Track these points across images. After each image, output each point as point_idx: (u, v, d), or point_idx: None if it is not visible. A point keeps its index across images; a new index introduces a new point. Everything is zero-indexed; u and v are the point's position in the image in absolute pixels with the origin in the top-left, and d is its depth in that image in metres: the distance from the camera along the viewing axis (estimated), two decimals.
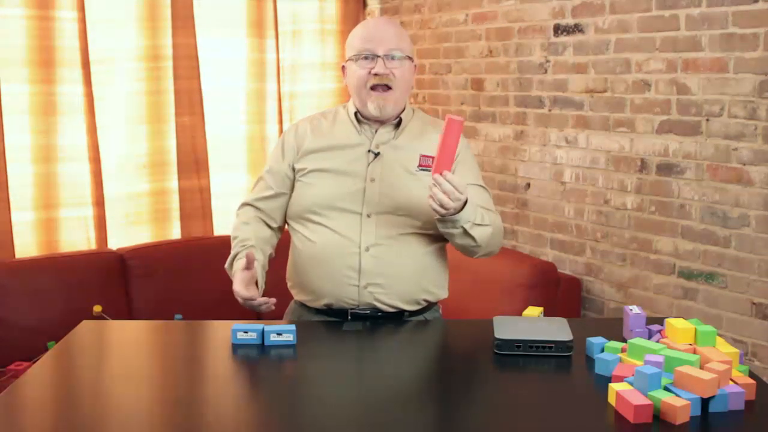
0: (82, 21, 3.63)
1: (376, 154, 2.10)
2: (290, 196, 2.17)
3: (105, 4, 3.72)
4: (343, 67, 2.17)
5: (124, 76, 3.81)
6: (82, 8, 3.62)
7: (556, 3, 3.45)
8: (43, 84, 3.59)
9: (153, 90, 3.89)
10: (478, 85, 3.91)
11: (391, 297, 2.07)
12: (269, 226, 2.20)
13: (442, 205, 1.86)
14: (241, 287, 1.91)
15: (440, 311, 2.23)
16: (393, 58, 2.07)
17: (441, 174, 1.84)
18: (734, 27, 2.78)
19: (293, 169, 2.16)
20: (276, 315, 2.30)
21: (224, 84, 4.13)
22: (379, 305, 2.07)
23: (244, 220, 2.20)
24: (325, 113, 2.25)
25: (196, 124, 4.01)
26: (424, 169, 2.09)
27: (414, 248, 2.08)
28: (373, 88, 2.07)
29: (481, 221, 2.00)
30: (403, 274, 2.07)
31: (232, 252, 2.11)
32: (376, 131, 2.14)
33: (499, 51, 3.76)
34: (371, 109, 2.08)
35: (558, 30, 3.45)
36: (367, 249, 2.05)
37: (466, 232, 1.97)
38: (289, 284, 2.21)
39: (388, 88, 2.07)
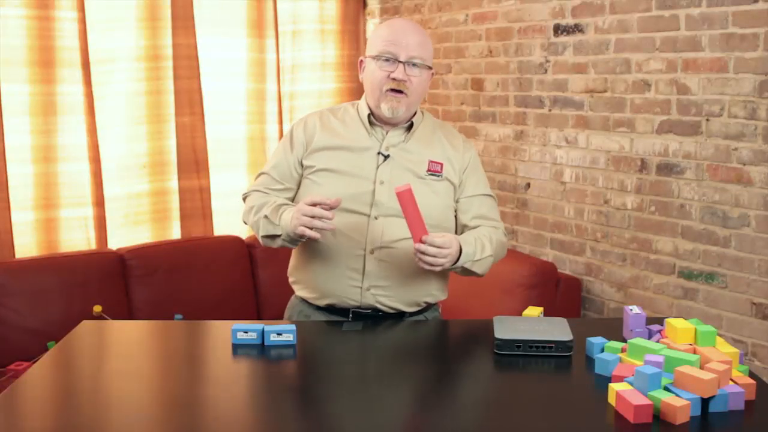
0: (82, 21, 3.63)
1: (386, 157, 2.10)
2: (296, 193, 2.16)
3: (105, 4, 3.72)
4: (361, 61, 2.16)
5: (124, 76, 3.81)
6: (82, 8, 3.62)
7: (556, 3, 3.45)
8: (43, 84, 3.59)
9: (153, 90, 3.89)
10: (478, 85, 3.91)
11: (393, 300, 2.08)
12: None
13: (434, 265, 1.93)
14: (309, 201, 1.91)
15: (440, 311, 2.24)
16: (414, 65, 2.07)
17: (422, 242, 1.90)
18: (734, 27, 2.78)
19: (301, 165, 2.14)
20: (276, 314, 2.31)
21: (224, 84, 4.13)
22: (380, 306, 2.08)
23: (258, 197, 2.13)
24: (333, 110, 2.22)
25: (196, 124, 4.01)
26: (433, 174, 2.10)
27: None
28: (389, 90, 2.06)
29: (481, 255, 2.04)
30: (406, 279, 2.07)
31: (268, 210, 2.05)
32: (387, 133, 2.13)
33: (499, 51, 3.76)
34: (384, 110, 2.07)
35: (558, 30, 3.45)
36: (372, 252, 2.05)
37: (466, 270, 2.04)
38: (290, 279, 2.21)
39: (403, 93, 2.06)
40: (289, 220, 1.97)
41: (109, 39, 3.75)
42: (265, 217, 2.05)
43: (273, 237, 2.05)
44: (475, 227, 2.14)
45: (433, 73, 2.16)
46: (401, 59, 2.05)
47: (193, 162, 4.01)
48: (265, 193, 2.15)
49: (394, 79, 2.05)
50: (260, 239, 2.10)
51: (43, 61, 3.58)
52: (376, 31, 2.15)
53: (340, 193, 2.05)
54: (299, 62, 4.37)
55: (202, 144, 4.04)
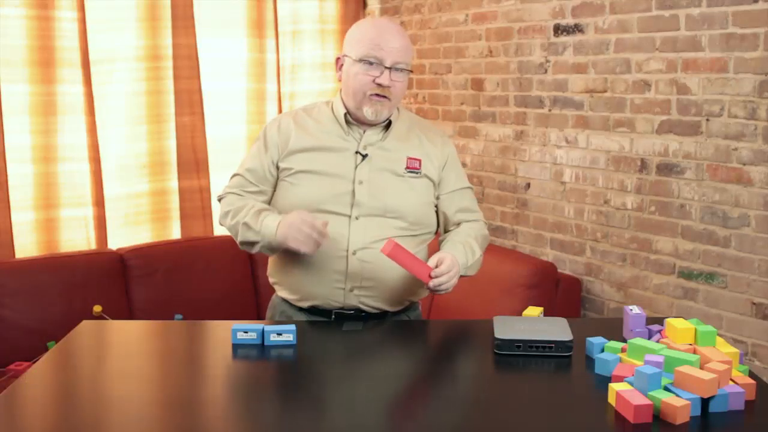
0: (82, 21, 3.63)
1: (364, 156, 2.09)
2: (272, 196, 2.14)
3: (105, 4, 3.72)
4: (338, 58, 2.12)
5: (124, 76, 3.81)
6: (82, 8, 3.62)
7: (556, 3, 3.45)
8: (43, 84, 3.59)
9: (153, 90, 3.89)
10: (478, 85, 3.91)
11: (376, 300, 2.08)
12: None
13: (449, 287, 1.99)
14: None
15: (420, 309, 2.25)
16: (398, 70, 2.05)
17: (431, 278, 1.95)
18: (734, 27, 2.78)
19: (276, 167, 2.12)
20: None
21: (224, 84, 4.13)
22: (363, 307, 2.08)
23: (234, 200, 2.12)
24: (306, 109, 2.20)
25: (196, 124, 4.01)
26: (411, 171, 2.11)
27: None
28: (373, 95, 2.05)
29: (473, 258, 2.09)
30: (390, 279, 2.06)
31: (248, 215, 2.03)
32: (364, 132, 2.12)
33: (499, 51, 3.76)
34: (367, 113, 2.06)
35: (558, 30, 3.45)
36: (354, 252, 2.04)
37: (461, 276, 2.08)
38: (271, 280, 2.20)
39: (386, 97, 2.05)
40: (274, 228, 1.96)
41: (109, 39, 3.75)
42: (244, 223, 2.03)
43: (252, 243, 2.04)
44: (458, 222, 2.19)
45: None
46: (387, 65, 2.03)
47: (193, 162, 4.01)
48: (241, 195, 2.13)
49: (379, 84, 2.03)
50: (238, 244, 2.09)
51: (43, 61, 3.58)
52: (359, 30, 2.10)
53: (319, 194, 2.05)
54: (299, 62, 4.37)
55: (202, 144, 4.03)
